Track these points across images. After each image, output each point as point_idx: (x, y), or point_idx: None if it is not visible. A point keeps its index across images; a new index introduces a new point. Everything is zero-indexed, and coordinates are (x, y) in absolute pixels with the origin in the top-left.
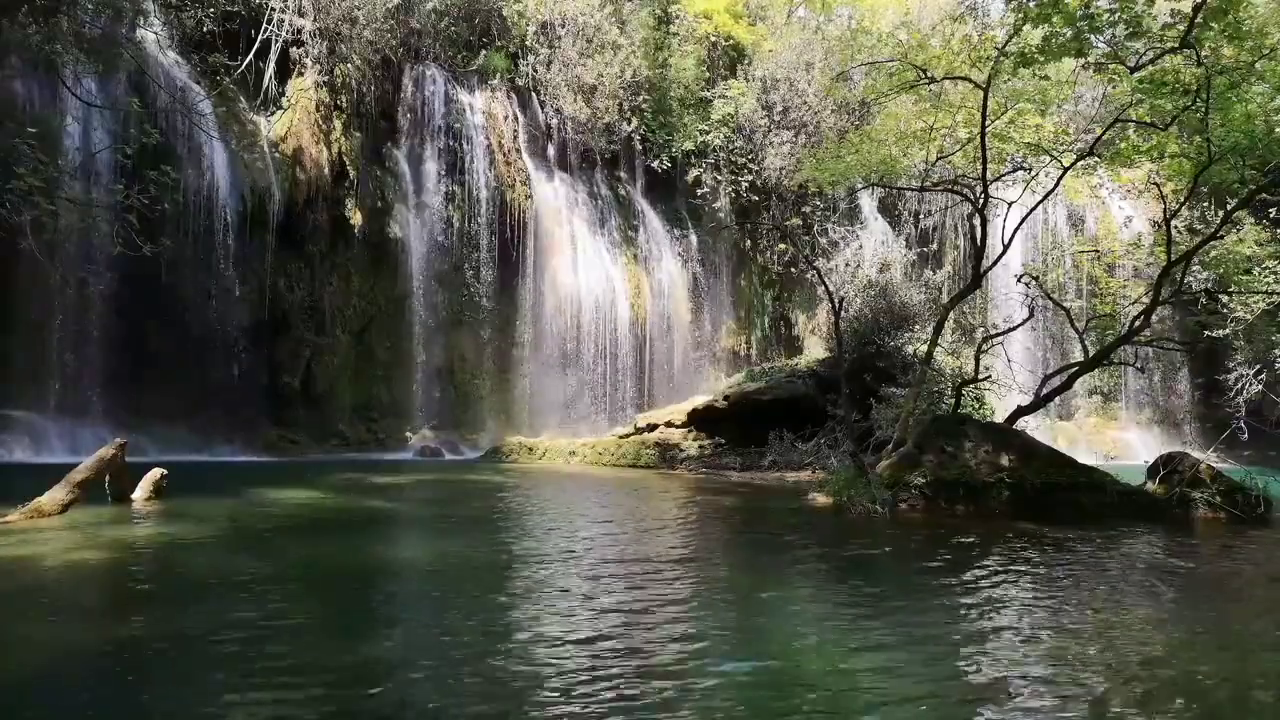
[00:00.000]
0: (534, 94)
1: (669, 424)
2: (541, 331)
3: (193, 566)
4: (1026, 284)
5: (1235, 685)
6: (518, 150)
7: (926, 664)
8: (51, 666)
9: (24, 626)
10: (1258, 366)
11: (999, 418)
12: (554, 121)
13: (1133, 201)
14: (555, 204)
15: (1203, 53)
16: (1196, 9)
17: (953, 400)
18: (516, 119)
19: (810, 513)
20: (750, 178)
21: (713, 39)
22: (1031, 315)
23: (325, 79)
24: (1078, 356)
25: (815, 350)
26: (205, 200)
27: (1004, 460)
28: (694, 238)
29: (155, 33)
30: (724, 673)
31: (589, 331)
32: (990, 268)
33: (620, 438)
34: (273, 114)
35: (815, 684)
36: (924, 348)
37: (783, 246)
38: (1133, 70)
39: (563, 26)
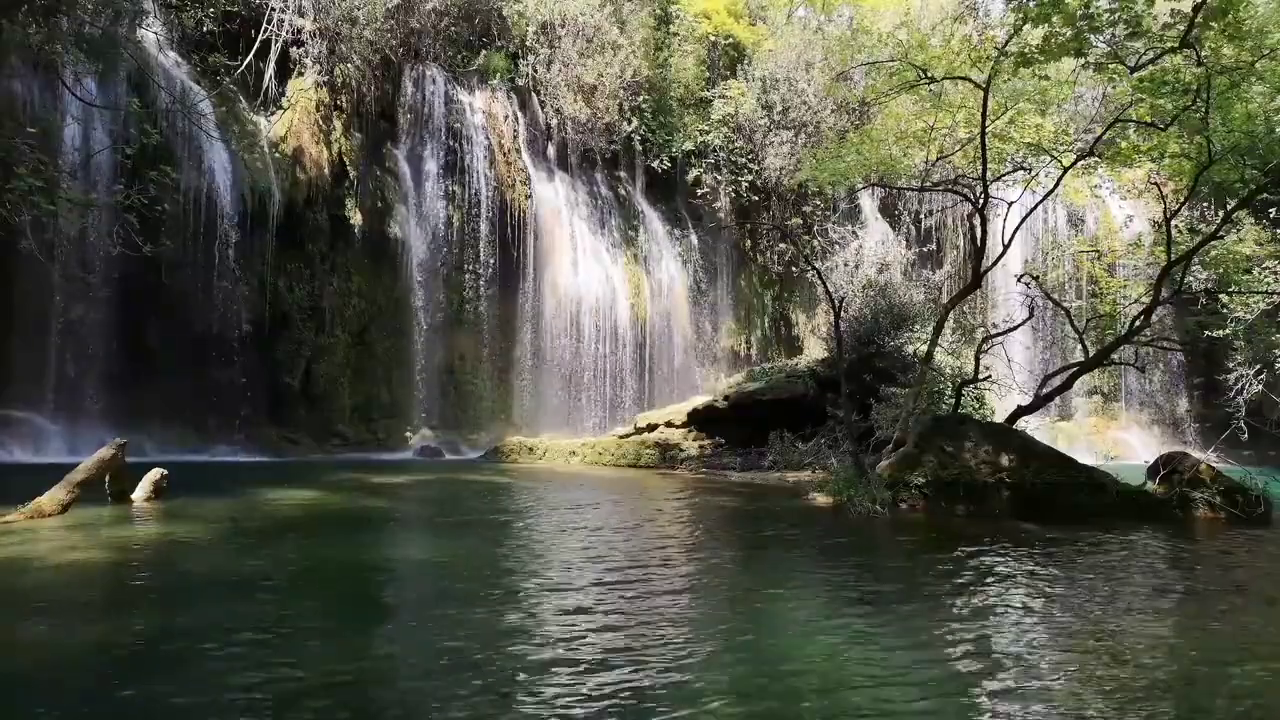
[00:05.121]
0: (534, 94)
1: (669, 424)
2: (541, 331)
3: (193, 566)
4: (1026, 284)
5: (1236, 686)
6: (518, 150)
7: (927, 666)
8: (51, 666)
9: (24, 626)
10: (1258, 366)
11: (999, 418)
12: (554, 121)
13: (1133, 201)
14: (555, 204)
15: (1203, 53)
16: (1196, 9)
17: (953, 400)
18: (516, 119)
19: (810, 513)
20: (750, 178)
21: (713, 39)
22: (1031, 315)
23: (325, 79)
24: (1078, 356)
25: (815, 350)
26: (205, 200)
27: (1004, 460)
28: (694, 238)
29: (155, 33)
30: (723, 673)
31: (589, 331)
32: (990, 268)
33: (620, 438)
34: (273, 114)
35: (814, 684)
36: (924, 348)
37: (783, 246)
38: (1133, 70)
39: (563, 27)
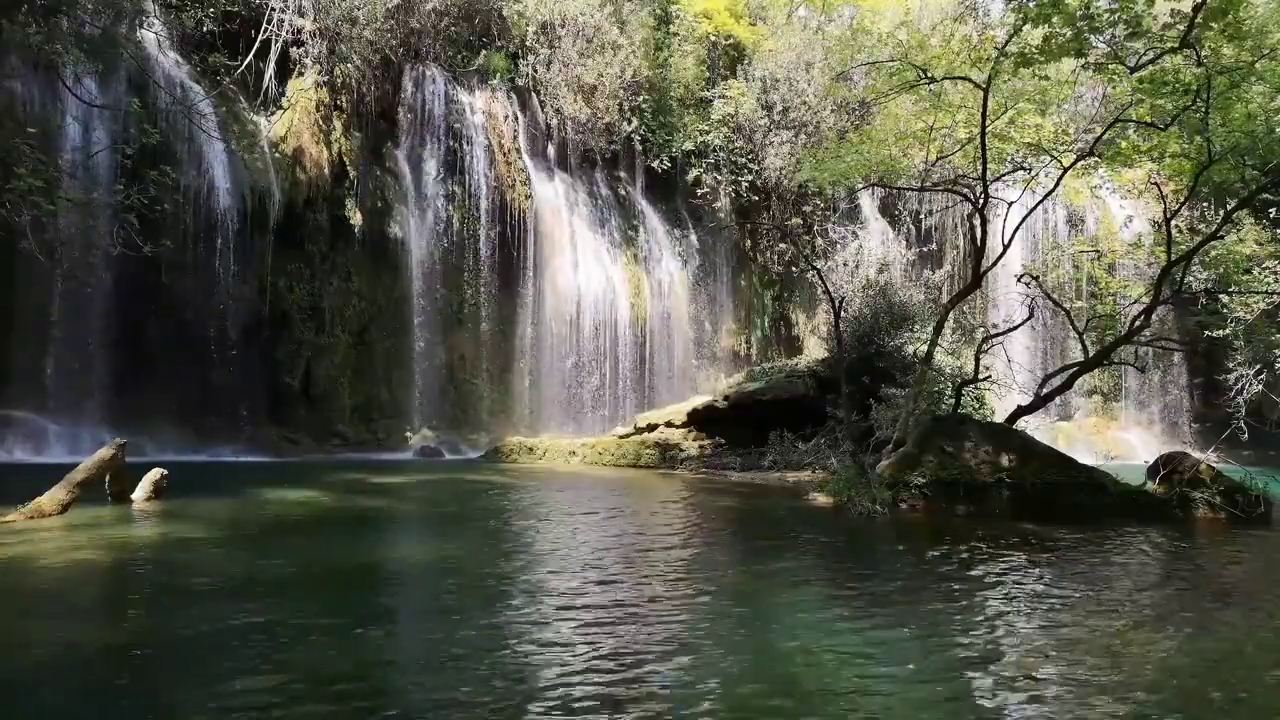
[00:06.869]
0: (534, 94)
1: (669, 424)
2: (541, 331)
3: (192, 566)
4: (1026, 284)
5: (1235, 688)
6: (518, 150)
7: (928, 667)
8: (51, 666)
9: (24, 626)
10: (1258, 366)
11: (999, 418)
12: (554, 121)
13: (1133, 201)
14: (555, 204)
15: (1203, 53)
16: (1196, 9)
17: (953, 400)
18: (516, 119)
19: (810, 513)
20: (750, 178)
21: (713, 39)
22: (1031, 315)
23: (325, 79)
24: (1078, 356)
25: (815, 350)
26: (205, 200)
27: (1004, 460)
28: (694, 238)
29: (155, 33)
30: (721, 674)
31: (589, 331)
32: (990, 268)
33: (620, 438)
34: (273, 114)
35: (814, 685)
36: (924, 348)
37: (783, 246)
38: (1133, 70)
39: (563, 27)
